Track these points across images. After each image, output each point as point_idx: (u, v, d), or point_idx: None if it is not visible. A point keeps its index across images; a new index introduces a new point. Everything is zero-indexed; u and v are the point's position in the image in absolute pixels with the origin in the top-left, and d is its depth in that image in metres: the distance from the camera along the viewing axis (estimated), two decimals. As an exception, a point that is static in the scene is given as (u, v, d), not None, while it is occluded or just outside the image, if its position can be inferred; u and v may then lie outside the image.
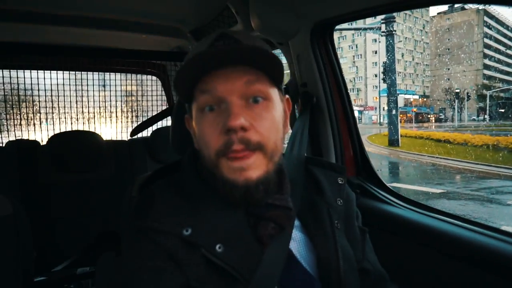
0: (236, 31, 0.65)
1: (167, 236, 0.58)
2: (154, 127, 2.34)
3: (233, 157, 0.57)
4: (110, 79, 2.58)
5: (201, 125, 0.60)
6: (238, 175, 0.58)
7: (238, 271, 0.57)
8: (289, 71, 1.48)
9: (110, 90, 2.59)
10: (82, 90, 2.47)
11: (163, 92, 2.84)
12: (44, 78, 2.31)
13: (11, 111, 2.31)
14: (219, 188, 0.61)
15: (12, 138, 2.26)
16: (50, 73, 2.33)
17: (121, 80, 2.63)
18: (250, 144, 0.57)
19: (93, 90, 2.52)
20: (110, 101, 2.60)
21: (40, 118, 2.39)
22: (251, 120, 0.58)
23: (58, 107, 2.40)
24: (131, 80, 2.71)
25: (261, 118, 0.59)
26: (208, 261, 0.57)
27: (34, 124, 2.38)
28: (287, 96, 0.70)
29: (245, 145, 0.57)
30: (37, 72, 2.29)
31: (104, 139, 2.16)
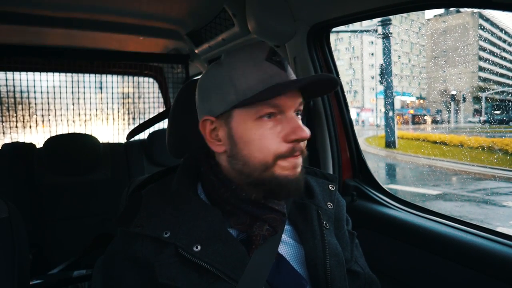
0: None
1: (143, 242, 0.64)
2: (151, 129, 2.34)
3: (292, 157, 0.65)
4: (107, 81, 2.57)
5: (260, 130, 0.64)
6: (291, 172, 0.65)
7: (219, 269, 0.61)
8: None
9: (107, 92, 2.58)
10: (78, 92, 2.46)
11: (160, 94, 2.83)
12: (41, 80, 2.30)
13: (7, 113, 2.29)
14: (268, 187, 0.65)
15: (8, 140, 2.24)
16: (47, 75, 2.32)
17: (118, 82, 2.62)
18: (303, 150, 0.67)
19: (90, 92, 2.51)
20: (107, 103, 2.59)
21: (36, 121, 2.37)
22: None
23: (55, 109, 2.39)
24: (128, 82, 2.71)
25: None
26: (187, 260, 0.62)
27: (30, 127, 2.37)
28: None
29: (302, 149, 0.66)
30: (34, 74, 2.28)
31: (101, 141, 2.15)
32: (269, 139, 0.63)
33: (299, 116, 0.68)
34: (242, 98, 0.63)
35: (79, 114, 2.49)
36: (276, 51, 0.68)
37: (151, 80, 2.80)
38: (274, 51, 0.67)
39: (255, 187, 0.66)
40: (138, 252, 0.63)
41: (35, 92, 2.30)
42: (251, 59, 0.64)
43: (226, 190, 0.66)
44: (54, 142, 2.02)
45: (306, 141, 0.67)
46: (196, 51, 1.99)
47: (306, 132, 0.64)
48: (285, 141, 0.64)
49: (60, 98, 2.39)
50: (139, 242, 0.64)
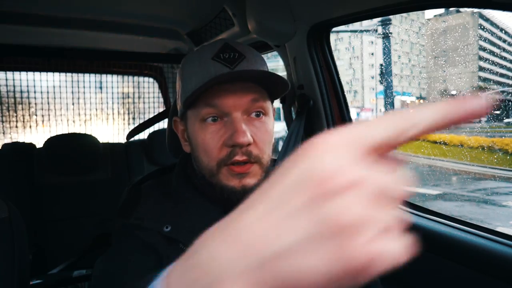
0: (236, 42, 0.66)
1: (148, 232, 0.61)
2: (151, 129, 2.34)
3: (234, 165, 0.60)
4: (106, 81, 2.57)
5: (202, 134, 0.61)
6: (237, 182, 0.61)
7: None
8: (285, 73, 1.49)
9: (106, 92, 2.58)
10: (78, 92, 2.46)
11: (160, 94, 2.83)
12: (41, 80, 2.30)
13: (7, 113, 2.29)
14: (216, 193, 0.63)
15: (8, 140, 2.24)
16: (47, 74, 2.32)
17: (118, 82, 2.62)
18: (252, 157, 0.60)
19: (90, 92, 2.51)
20: (107, 103, 2.59)
21: (36, 121, 2.37)
22: (252, 134, 0.61)
23: (55, 109, 2.39)
24: (128, 82, 2.71)
25: (261, 133, 0.62)
26: None
27: (30, 127, 2.37)
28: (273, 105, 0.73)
29: (247, 157, 0.60)
30: (33, 74, 2.27)
31: (101, 141, 2.15)
32: (210, 144, 0.60)
33: (262, 116, 0.63)
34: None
35: (79, 114, 2.49)
36: (231, 46, 0.62)
37: (151, 80, 2.80)
38: (226, 47, 0.62)
39: (210, 189, 0.65)
40: (143, 238, 0.61)
41: (35, 92, 2.30)
42: (198, 59, 0.63)
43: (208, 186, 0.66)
44: (54, 142, 2.02)
45: (258, 149, 0.61)
46: (196, 51, 1.98)
47: (244, 138, 0.57)
48: (226, 145, 0.60)
49: (60, 98, 2.39)
50: (143, 232, 0.62)
